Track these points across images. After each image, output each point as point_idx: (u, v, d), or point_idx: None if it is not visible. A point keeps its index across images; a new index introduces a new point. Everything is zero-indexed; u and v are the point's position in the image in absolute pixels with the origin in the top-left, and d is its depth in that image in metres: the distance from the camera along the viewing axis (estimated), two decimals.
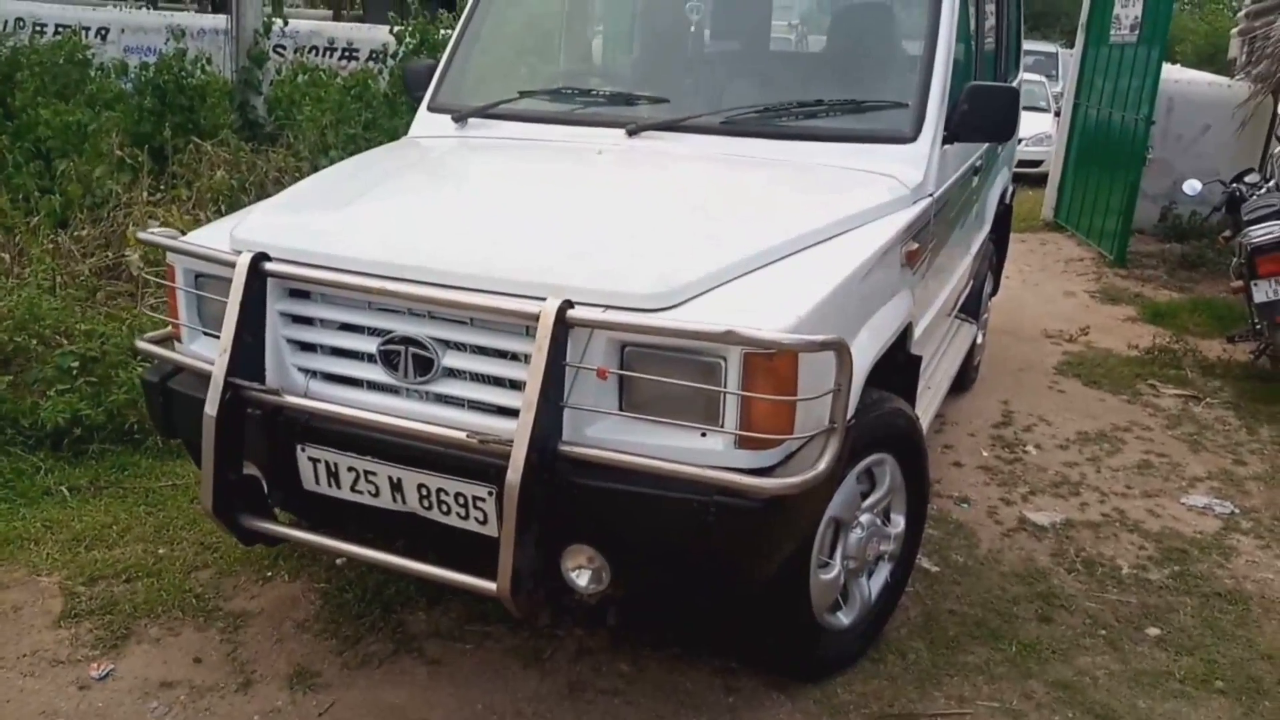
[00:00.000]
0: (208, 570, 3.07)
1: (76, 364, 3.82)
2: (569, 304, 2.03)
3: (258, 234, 2.44)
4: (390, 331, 2.26)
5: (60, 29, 11.78)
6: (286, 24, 8.13)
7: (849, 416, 2.31)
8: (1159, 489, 4.10)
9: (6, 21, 12.03)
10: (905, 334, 2.87)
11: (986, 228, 4.51)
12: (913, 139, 2.92)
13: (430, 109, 3.48)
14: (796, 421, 2.11)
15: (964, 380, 4.98)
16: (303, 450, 2.35)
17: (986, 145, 4.04)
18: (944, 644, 2.97)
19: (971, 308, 4.64)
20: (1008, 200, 5.17)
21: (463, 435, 2.11)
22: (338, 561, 3.08)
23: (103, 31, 11.72)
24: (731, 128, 3.02)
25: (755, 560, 2.19)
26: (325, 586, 2.99)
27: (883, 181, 2.78)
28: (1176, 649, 3.02)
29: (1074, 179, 8.76)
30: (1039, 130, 11.60)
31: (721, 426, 2.05)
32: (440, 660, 2.72)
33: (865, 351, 2.39)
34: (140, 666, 2.64)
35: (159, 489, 3.54)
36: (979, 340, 4.97)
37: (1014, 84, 4.90)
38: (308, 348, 2.39)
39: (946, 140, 3.03)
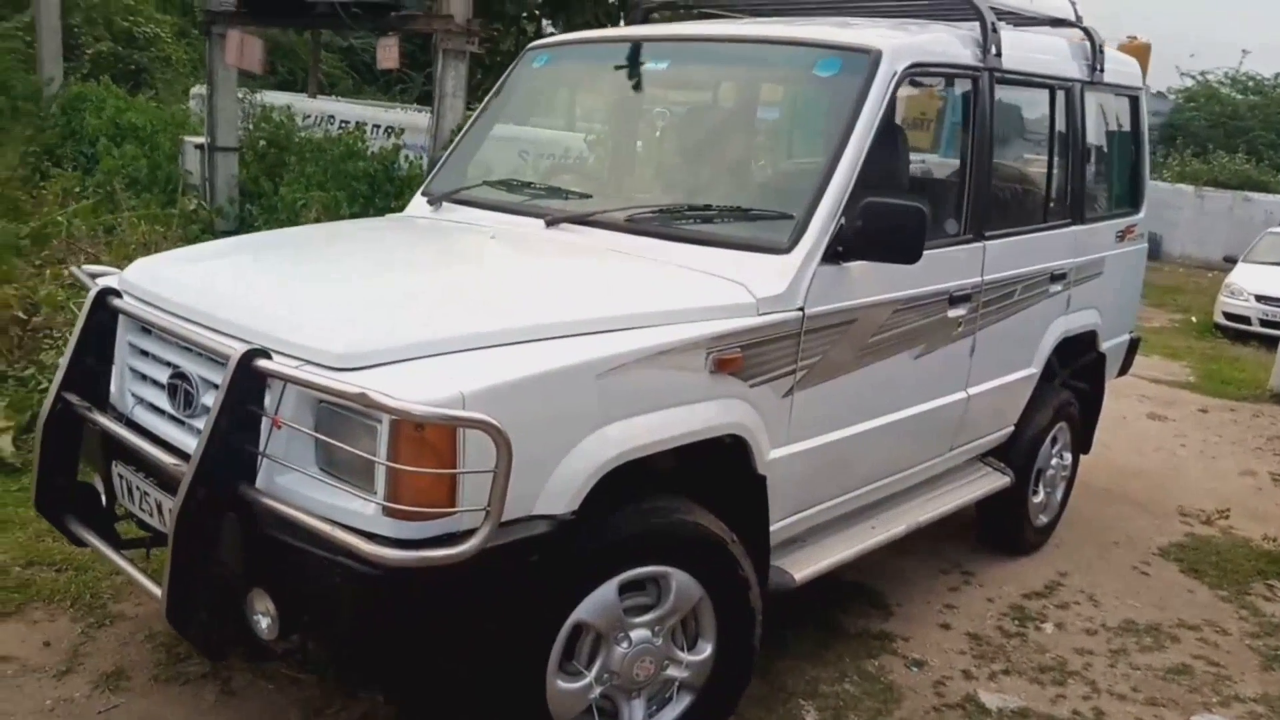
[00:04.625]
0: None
1: None
2: (259, 352, 2.16)
3: (127, 273, 2.80)
4: (177, 367, 2.49)
5: (358, 125, 13.75)
6: None
7: (569, 511, 2.26)
8: (1174, 699, 3.42)
9: (320, 116, 14.19)
10: (745, 451, 2.71)
11: (1029, 370, 4.06)
12: (787, 251, 2.79)
13: (422, 193, 3.78)
14: (461, 498, 2.08)
15: (1018, 541, 4.46)
16: (114, 466, 2.63)
17: (1010, 276, 3.72)
18: None
19: (1014, 458, 4.17)
20: (1100, 348, 4.61)
21: (170, 464, 2.28)
22: None
23: (390, 130, 13.45)
24: (633, 226, 3.04)
25: (403, 632, 2.15)
26: None
27: (722, 288, 2.68)
28: None
29: None
30: None
31: (374, 493, 2.07)
32: (236, 692, 2.85)
33: (604, 448, 2.30)
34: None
35: None
36: (1038, 499, 4.43)
37: (1125, 227, 4.44)
38: (140, 376, 2.68)
39: (842, 258, 2.86)
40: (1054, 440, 4.44)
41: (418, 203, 3.71)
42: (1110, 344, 4.71)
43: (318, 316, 2.34)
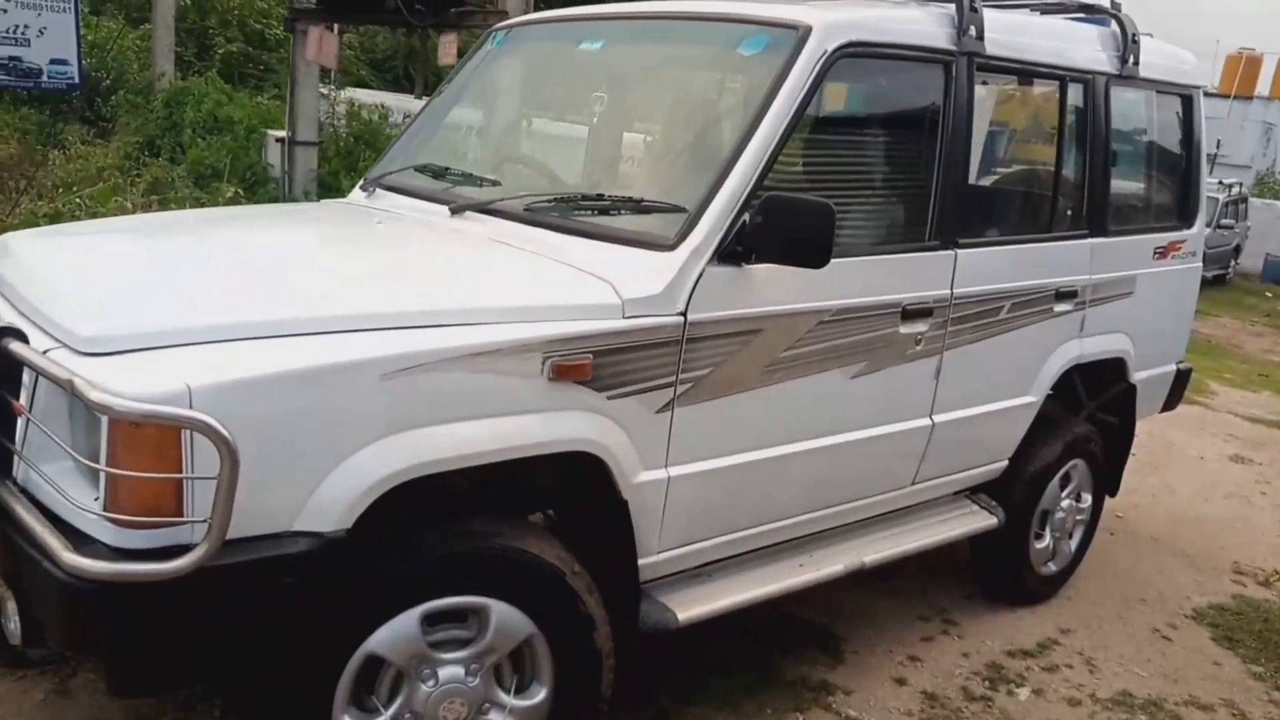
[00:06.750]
0: None
1: None
2: (12, 332, 1.98)
3: None
4: None
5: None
6: None
7: (340, 529, 2.00)
8: None
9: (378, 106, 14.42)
10: (604, 471, 2.39)
11: (1025, 398, 3.56)
12: (670, 247, 2.46)
13: (363, 178, 3.60)
14: (191, 507, 1.85)
15: (1016, 591, 3.96)
16: None
17: (993, 291, 3.27)
18: None
19: (1010, 496, 3.69)
20: (1131, 378, 4.05)
21: None
22: None
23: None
24: (529, 216, 2.76)
25: (120, 644, 1.93)
26: None
27: (581, 286, 2.37)
28: None
29: None
30: None
31: (97, 494, 1.86)
32: (69, 693, 2.71)
33: (391, 459, 2.03)
34: None
35: None
36: (1042, 544, 3.91)
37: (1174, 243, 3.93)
38: None
39: (744, 258, 2.51)
40: (1065, 479, 3.92)
41: (357, 189, 3.53)
42: (1145, 375, 4.13)
43: (90, 299, 2.14)
